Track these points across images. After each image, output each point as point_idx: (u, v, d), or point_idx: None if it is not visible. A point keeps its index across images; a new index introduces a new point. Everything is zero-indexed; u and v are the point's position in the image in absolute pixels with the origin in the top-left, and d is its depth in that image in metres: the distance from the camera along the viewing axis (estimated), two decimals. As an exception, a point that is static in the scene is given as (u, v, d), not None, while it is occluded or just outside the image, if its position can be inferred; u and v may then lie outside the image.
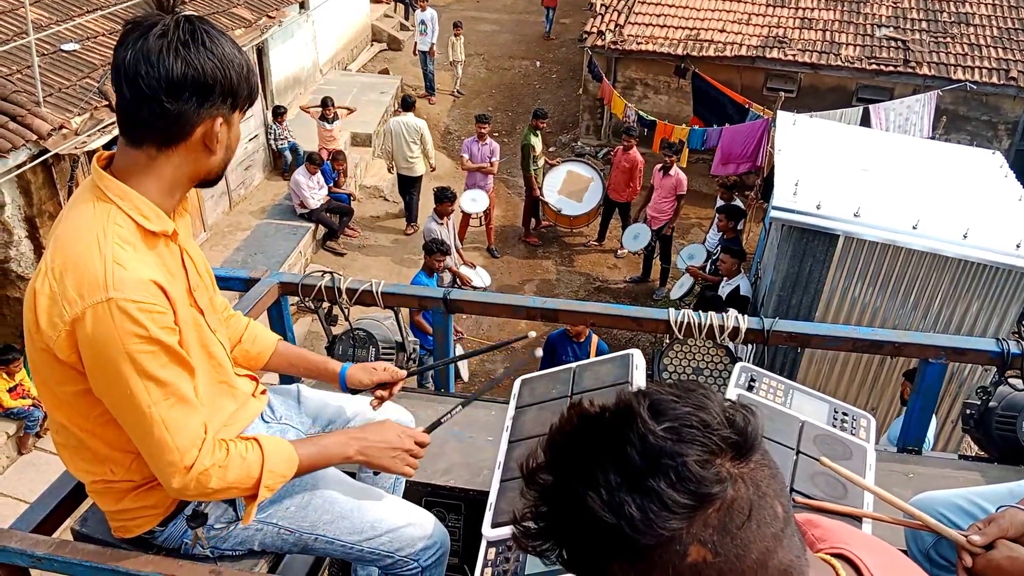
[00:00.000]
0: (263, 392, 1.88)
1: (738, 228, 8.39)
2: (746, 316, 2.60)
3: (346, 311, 2.89)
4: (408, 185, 10.61)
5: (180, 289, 1.53)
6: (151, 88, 1.36)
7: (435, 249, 7.15)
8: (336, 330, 3.01)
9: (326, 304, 2.89)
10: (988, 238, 5.41)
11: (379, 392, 1.96)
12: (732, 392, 2.03)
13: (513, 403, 2.13)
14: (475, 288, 8.68)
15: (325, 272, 2.88)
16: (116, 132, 7.40)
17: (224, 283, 2.68)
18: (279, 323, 2.89)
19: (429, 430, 1.86)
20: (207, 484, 1.48)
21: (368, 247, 10.59)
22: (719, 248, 8.01)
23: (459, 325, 8.60)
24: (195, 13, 1.46)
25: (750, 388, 2.05)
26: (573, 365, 2.13)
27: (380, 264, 10.21)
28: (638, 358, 2.03)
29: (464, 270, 8.83)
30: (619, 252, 10.50)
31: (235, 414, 1.72)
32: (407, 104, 10.62)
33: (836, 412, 2.05)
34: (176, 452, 1.44)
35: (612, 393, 1.90)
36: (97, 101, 7.29)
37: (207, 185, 1.55)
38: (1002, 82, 11.11)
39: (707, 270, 8.28)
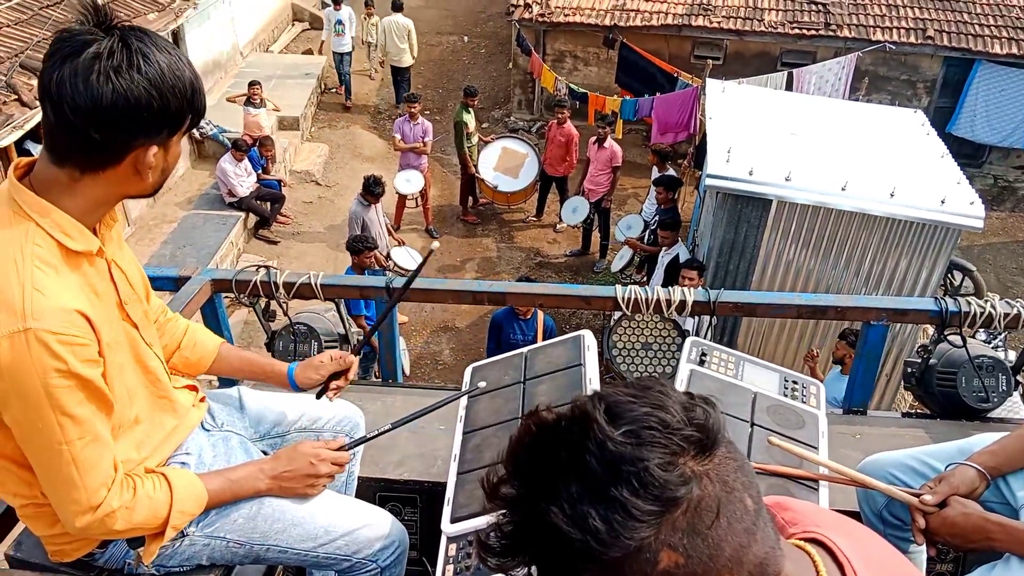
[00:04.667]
0: (202, 400, 1.80)
1: (674, 198, 8.47)
2: (692, 289, 2.60)
3: (284, 306, 2.79)
4: (397, 74, 13.05)
5: (109, 306, 1.43)
6: (76, 114, 1.23)
7: (360, 248, 6.64)
8: (275, 325, 2.91)
9: (263, 299, 2.79)
10: (914, 196, 5.57)
11: (334, 384, 1.89)
12: (684, 367, 2.02)
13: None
14: (405, 269, 8.56)
15: (260, 266, 2.77)
16: (27, 128, 7.03)
17: (153, 283, 2.55)
18: (214, 321, 2.78)
19: (351, 447, 1.81)
20: (111, 526, 1.43)
21: (302, 233, 10.36)
22: (656, 218, 8.07)
23: (403, 312, 8.48)
24: (136, 25, 1.32)
25: (702, 362, 2.05)
26: (524, 350, 2.09)
27: (316, 250, 9.99)
28: (589, 339, 2.00)
29: (394, 250, 8.68)
30: (558, 226, 10.50)
31: (175, 428, 1.64)
32: (397, 6, 12.58)
33: (786, 381, 2.06)
34: (84, 491, 1.37)
35: (565, 377, 1.89)
36: (5, 95, 6.90)
37: (140, 198, 1.45)
38: (919, 41, 11.39)
39: (645, 240, 8.34)
